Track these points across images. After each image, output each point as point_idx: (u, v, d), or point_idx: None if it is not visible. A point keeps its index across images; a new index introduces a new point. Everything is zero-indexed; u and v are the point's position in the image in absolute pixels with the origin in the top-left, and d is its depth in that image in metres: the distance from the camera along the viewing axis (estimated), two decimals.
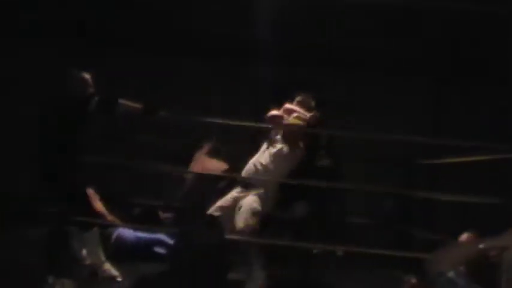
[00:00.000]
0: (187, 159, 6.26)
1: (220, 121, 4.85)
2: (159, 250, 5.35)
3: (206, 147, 6.34)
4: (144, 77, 7.39)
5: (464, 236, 3.11)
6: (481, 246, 2.11)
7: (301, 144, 4.78)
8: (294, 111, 4.82)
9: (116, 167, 6.33)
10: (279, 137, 4.84)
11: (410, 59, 7.17)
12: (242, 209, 4.51)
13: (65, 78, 4.43)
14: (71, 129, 4.29)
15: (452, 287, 1.97)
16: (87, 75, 4.46)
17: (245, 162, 6.47)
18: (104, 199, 5.55)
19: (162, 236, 5.47)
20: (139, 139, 6.90)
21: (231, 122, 4.88)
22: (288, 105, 4.86)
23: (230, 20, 6.66)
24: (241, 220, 4.41)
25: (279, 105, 6.73)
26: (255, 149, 7.27)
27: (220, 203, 4.69)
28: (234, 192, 4.72)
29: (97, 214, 5.18)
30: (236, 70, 7.48)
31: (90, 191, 5.46)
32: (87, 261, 4.48)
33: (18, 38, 7.10)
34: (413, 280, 3.92)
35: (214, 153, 6.31)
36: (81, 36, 7.10)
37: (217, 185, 5.95)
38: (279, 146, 4.76)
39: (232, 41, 7.03)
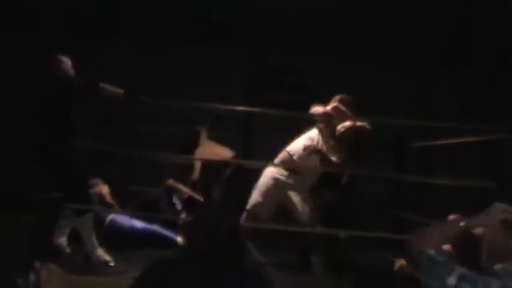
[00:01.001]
0: (187, 147, 6.32)
1: (207, 105, 4.89)
2: (153, 240, 5.38)
3: (204, 133, 6.41)
4: (137, 65, 7.37)
5: (451, 217, 3.12)
6: (461, 224, 2.12)
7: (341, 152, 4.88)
8: (344, 114, 4.86)
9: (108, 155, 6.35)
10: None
11: (399, 46, 7.17)
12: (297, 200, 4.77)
13: (48, 63, 4.56)
14: (58, 113, 4.39)
15: (433, 264, 1.98)
16: (65, 58, 4.57)
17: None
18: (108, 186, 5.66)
19: (157, 227, 5.50)
20: (136, 127, 6.92)
21: (216, 107, 4.93)
22: (337, 106, 4.88)
23: (220, 5, 6.65)
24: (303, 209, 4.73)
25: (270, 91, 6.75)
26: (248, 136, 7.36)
27: (266, 187, 4.82)
28: (276, 175, 4.85)
29: (100, 200, 5.36)
30: (226, 56, 7.46)
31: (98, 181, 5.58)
32: (67, 250, 4.56)
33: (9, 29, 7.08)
34: (403, 261, 3.97)
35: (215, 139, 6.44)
36: (71, 26, 7.07)
37: (224, 173, 6.11)
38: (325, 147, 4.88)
39: (222, 27, 7.02)
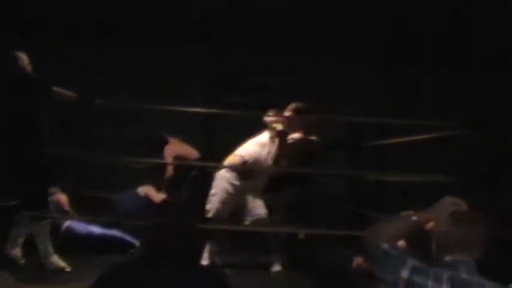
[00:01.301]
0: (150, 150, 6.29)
1: (162, 107, 4.87)
2: (112, 245, 5.31)
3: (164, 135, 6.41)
4: (93, 65, 7.24)
5: (403, 213, 3.17)
6: (413, 218, 2.16)
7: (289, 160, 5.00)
8: (296, 124, 5.00)
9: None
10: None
11: (358, 43, 7.23)
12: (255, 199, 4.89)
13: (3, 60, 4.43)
14: (19, 113, 4.30)
15: (387, 258, 2.01)
16: (22, 54, 4.44)
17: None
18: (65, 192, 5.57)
19: (116, 232, 5.42)
20: (95, 131, 6.80)
21: (173, 108, 4.91)
22: (291, 116, 4.97)
23: (178, 4, 6.61)
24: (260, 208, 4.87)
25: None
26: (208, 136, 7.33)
27: (224, 193, 4.84)
28: (231, 179, 4.86)
29: (58, 208, 5.27)
30: (187, 57, 7.41)
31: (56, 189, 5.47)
32: (22, 261, 4.46)
33: None
34: (361, 259, 4.04)
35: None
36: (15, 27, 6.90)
37: (191, 173, 6.16)
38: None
39: (181, 26, 6.98)
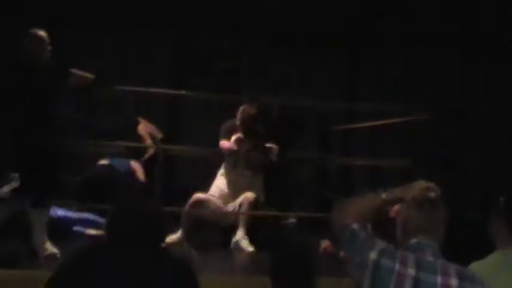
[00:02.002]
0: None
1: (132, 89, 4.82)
2: (80, 229, 5.25)
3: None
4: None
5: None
6: (382, 196, 2.17)
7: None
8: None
9: None
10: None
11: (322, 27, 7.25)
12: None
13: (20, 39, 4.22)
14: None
15: (355, 238, 2.02)
16: (43, 32, 4.24)
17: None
18: None
19: (88, 215, 5.36)
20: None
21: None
22: (239, 137, 5.14)
23: None
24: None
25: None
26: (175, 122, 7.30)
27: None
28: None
29: None
30: (154, 40, 7.33)
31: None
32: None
33: None
34: (327, 242, 4.13)
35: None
36: None
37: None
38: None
39: (151, 11, 6.91)
